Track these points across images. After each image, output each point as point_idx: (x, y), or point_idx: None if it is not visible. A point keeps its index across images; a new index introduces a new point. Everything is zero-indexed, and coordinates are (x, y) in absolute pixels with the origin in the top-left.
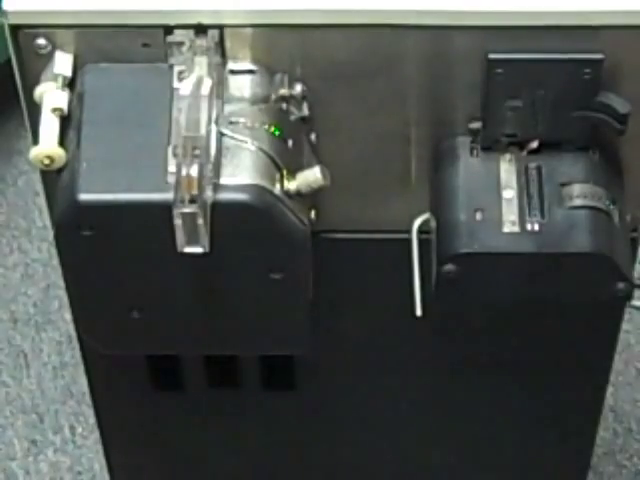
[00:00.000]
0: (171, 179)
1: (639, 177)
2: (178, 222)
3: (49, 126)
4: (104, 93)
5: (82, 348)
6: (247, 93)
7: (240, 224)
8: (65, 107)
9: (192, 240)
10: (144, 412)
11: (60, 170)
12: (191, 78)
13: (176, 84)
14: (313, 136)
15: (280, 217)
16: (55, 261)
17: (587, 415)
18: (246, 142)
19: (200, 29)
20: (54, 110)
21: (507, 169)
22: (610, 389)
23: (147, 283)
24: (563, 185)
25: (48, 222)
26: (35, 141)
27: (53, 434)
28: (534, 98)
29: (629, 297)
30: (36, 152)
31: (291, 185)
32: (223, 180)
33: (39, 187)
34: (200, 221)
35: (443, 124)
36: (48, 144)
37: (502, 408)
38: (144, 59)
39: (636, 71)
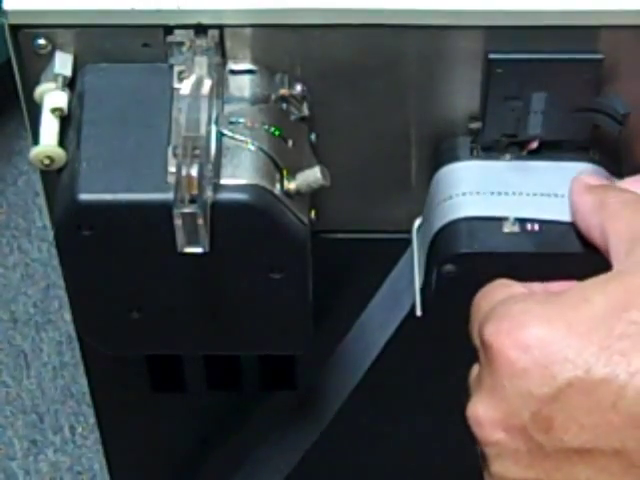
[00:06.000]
0: (171, 179)
1: None
2: (178, 222)
3: (49, 126)
4: (104, 93)
5: (82, 348)
6: (247, 93)
7: (240, 224)
8: (65, 107)
9: (192, 240)
10: (144, 412)
11: (60, 170)
12: (191, 78)
13: (176, 84)
14: (313, 136)
15: (280, 217)
16: (55, 261)
17: None
18: (246, 142)
19: (200, 29)
20: (54, 110)
21: None
22: None
23: (147, 283)
24: None
25: (48, 222)
26: (35, 141)
27: (53, 434)
28: (534, 98)
29: None
30: (36, 152)
31: (291, 185)
32: (223, 180)
33: (39, 187)
34: (200, 221)
35: (443, 124)
36: (48, 144)
37: None
38: (144, 59)
39: (636, 71)
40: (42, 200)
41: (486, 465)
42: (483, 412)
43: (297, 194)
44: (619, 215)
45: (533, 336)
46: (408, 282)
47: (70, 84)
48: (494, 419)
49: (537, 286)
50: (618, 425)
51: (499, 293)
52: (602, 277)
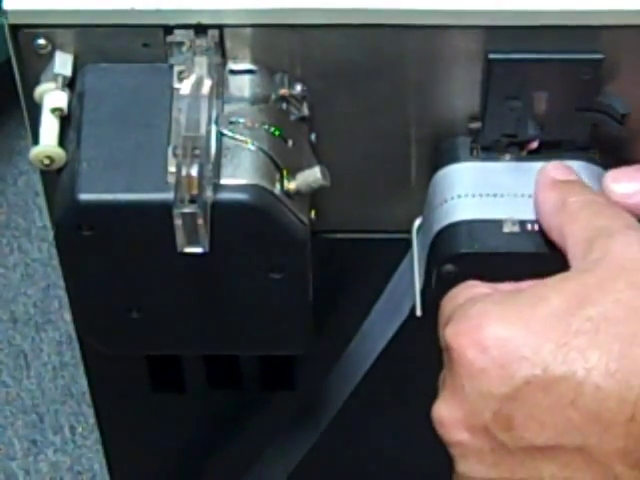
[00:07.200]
0: (171, 179)
1: None
2: (178, 222)
3: (49, 126)
4: (104, 93)
5: (82, 348)
6: (247, 93)
7: (240, 224)
8: (65, 107)
9: (192, 240)
10: (144, 412)
11: (60, 170)
12: (191, 78)
13: (176, 84)
14: (313, 136)
15: (280, 217)
16: (55, 261)
17: None
18: (246, 142)
19: (200, 29)
20: (54, 110)
21: None
22: None
23: (147, 283)
24: None
25: (48, 222)
26: (35, 141)
27: (53, 434)
28: (534, 98)
29: None
30: (36, 152)
31: (291, 185)
32: (223, 180)
33: (39, 187)
34: (200, 221)
35: (443, 124)
36: (48, 144)
37: None
38: (144, 59)
39: (636, 71)
40: (42, 200)
41: (453, 465)
42: (446, 413)
43: (297, 194)
44: (577, 217)
45: (490, 336)
46: (409, 284)
47: (70, 84)
48: (457, 419)
49: (507, 285)
50: (578, 422)
51: (461, 295)
52: (559, 276)
